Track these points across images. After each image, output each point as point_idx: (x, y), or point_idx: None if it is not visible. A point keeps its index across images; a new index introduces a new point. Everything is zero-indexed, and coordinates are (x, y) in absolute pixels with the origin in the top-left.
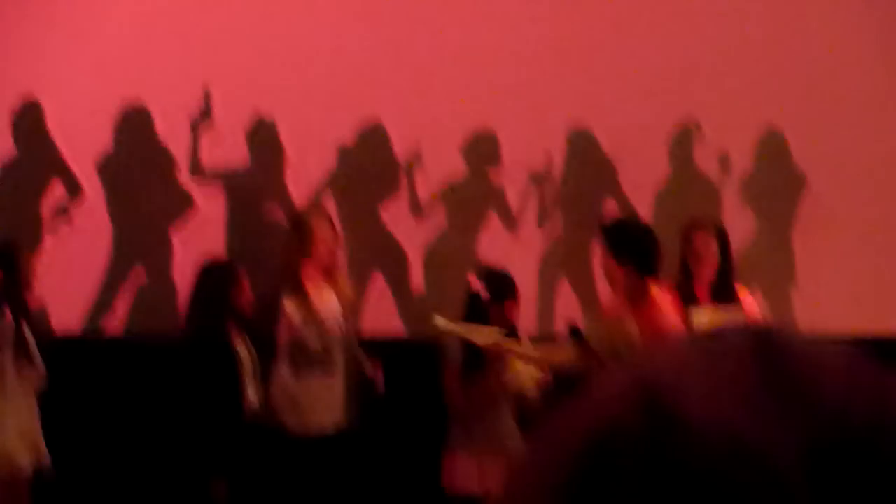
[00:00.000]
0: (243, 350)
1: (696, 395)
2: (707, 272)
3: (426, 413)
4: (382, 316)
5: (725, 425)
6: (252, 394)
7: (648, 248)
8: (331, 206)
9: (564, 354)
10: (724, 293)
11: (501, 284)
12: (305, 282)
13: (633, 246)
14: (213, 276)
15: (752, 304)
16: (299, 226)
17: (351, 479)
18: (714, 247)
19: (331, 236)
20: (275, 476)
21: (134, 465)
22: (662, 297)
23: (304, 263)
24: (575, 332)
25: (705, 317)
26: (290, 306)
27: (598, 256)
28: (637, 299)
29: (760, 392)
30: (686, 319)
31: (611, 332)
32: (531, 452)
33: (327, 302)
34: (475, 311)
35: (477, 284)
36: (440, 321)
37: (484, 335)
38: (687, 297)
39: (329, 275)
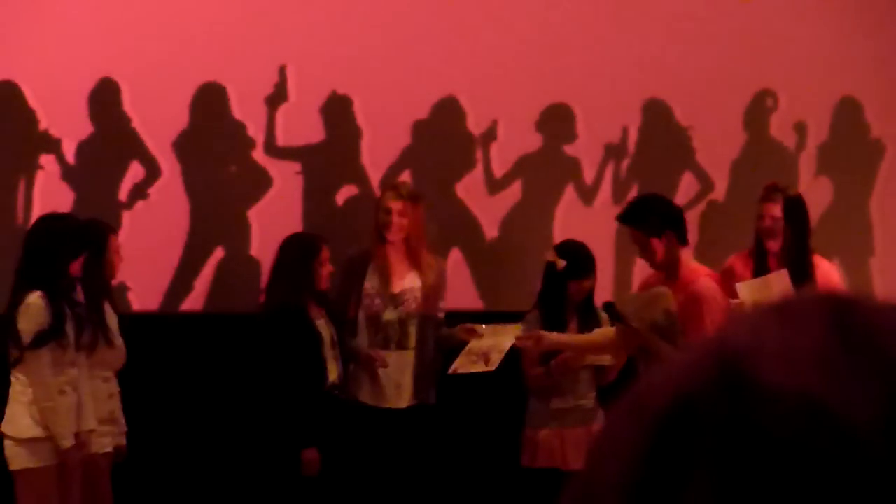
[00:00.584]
0: (322, 324)
1: (772, 360)
2: (774, 243)
3: (504, 388)
4: (459, 291)
5: (802, 388)
6: (332, 367)
7: (681, 219)
8: (406, 182)
9: (604, 333)
10: (798, 263)
11: (579, 258)
12: (385, 259)
13: (668, 219)
14: (296, 250)
15: (829, 273)
16: (378, 205)
17: (428, 455)
18: (781, 217)
19: (410, 216)
20: (354, 448)
21: (219, 439)
22: (699, 267)
23: (384, 242)
24: (610, 308)
25: (748, 290)
26: (368, 283)
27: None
28: (675, 271)
29: (836, 355)
30: (725, 287)
31: (648, 306)
32: (613, 419)
33: (406, 279)
34: (553, 286)
35: (555, 258)
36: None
37: (507, 334)
38: (760, 269)
39: (409, 253)
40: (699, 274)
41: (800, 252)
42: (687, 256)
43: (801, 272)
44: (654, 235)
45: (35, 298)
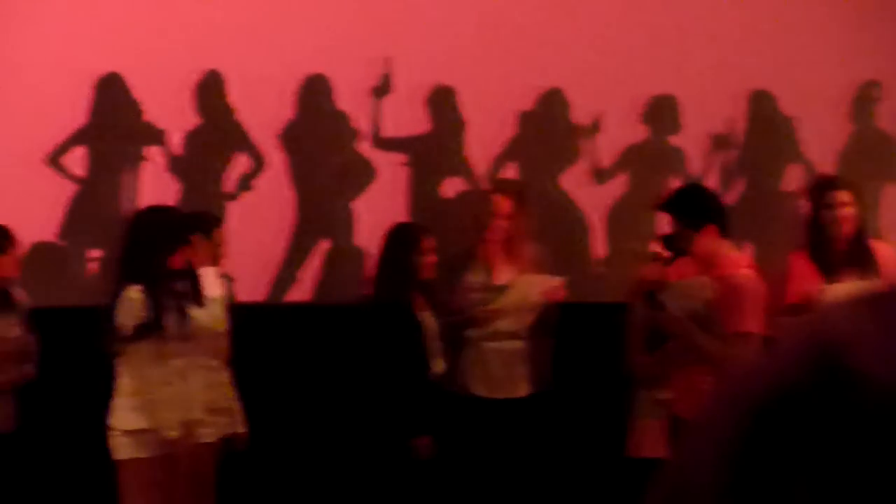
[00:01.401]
0: (428, 316)
1: (873, 352)
2: (849, 228)
3: (610, 379)
4: (565, 281)
5: None
6: (437, 360)
7: (722, 211)
8: (512, 173)
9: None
10: (865, 250)
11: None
12: (488, 253)
13: (709, 211)
14: (398, 240)
15: (891, 259)
16: (483, 201)
17: (536, 444)
18: (852, 202)
19: (516, 215)
20: (466, 439)
21: (325, 429)
22: (740, 258)
23: (486, 237)
24: (651, 296)
25: (835, 292)
26: (472, 276)
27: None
28: (714, 262)
29: None
30: (757, 273)
31: (688, 295)
32: (704, 412)
33: (509, 271)
34: None
35: (660, 249)
36: None
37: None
38: (820, 259)
39: (513, 247)
40: (739, 265)
41: (864, 238)
42: (727, 248)
43: (868, 258)
44: (694, 227)
45: (133, 292)
